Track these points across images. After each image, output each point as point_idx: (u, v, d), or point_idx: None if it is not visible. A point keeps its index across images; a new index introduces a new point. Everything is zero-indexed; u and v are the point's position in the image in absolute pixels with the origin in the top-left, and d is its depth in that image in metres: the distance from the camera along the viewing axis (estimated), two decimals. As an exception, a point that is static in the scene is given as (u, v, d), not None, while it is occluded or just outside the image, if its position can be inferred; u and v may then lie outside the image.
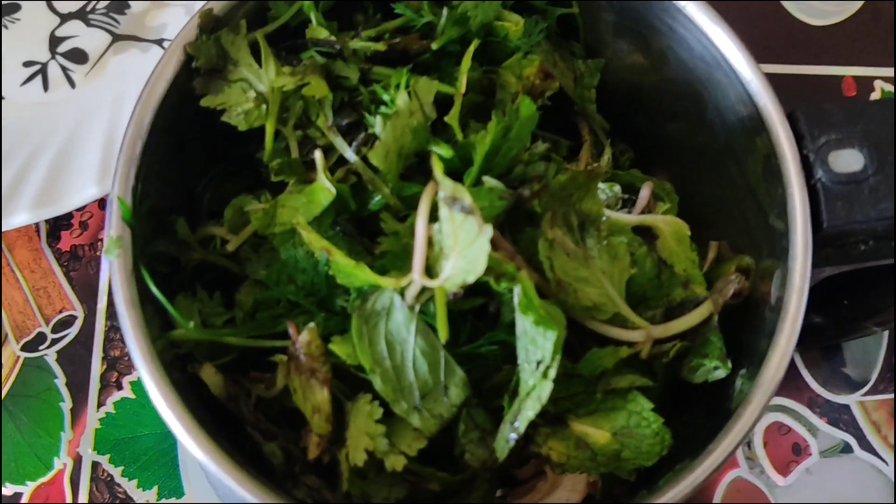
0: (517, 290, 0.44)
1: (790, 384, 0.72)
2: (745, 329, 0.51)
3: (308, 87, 0.48)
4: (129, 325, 0.44)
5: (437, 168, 0.42)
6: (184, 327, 0.47)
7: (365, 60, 0.51)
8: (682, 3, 0.50)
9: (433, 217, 0.44)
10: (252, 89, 0.49)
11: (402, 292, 0.46)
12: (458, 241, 0.42)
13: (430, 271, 0.44)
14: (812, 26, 0.79)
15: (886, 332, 0.73)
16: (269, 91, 0.49)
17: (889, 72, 0.78)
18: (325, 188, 0.48)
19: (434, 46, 0.51)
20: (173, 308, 0.47)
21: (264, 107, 0.49)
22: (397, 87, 0.49)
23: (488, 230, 0.41)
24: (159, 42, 0.76)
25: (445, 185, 0.41)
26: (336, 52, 0.51)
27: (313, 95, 0.49)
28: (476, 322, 0.49)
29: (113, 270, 0.45)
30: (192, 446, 0.43)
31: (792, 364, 0.72)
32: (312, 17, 0.51)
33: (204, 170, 0.55)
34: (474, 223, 0.41)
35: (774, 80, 0.77)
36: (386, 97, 0.50)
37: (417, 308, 0.46)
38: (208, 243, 0.52)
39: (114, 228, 0.46)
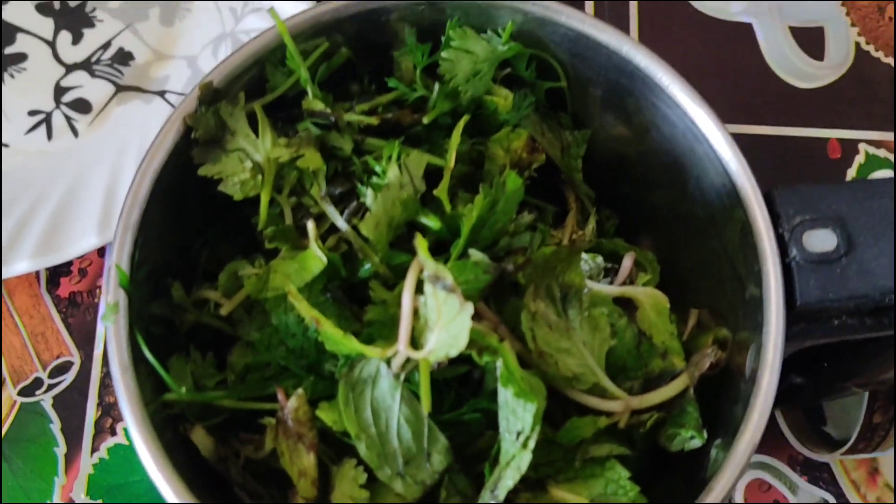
0: (499, 362, 0.46)
1: (771, 442, 0.73)
2: (722, 398, 0.52)
3: (303, 159, 0.50)
4: (122, 390, 0.46)
5: (421, 248, 0.43)
6: (175, 390, 0.48)
7: (359, 132, 0.53)
8: (666, 83, 0.52)
9: (420, 288, 0.46)
10: (249, 159, 0.51)
11: (388, 361, 0.47)
12: (441, 316, 0.44)
13: (415, 342, 0.46)
14: (799, 89, 0.81)
15: (866, 393, 0.74)
16: (265, 161, 0.51)
17: (872, 135, 0.80)
18: (316, 256, 0.50)
19: (425, 121, 0.53)
20: (167, 371, 0.49)
21: (260, 177, 0.51)
22: (389, 158, 0.51)
23: (469, 308, 0.43)
24: (161, 94, 0.78)
25: (428, 265, 0.43)
26: (331, 123, 0.53)
27: (308, 167, 0.50)
28: (460, 388, 0.50)
29: (109, 335, 0.47)
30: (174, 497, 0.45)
31: (773, 422, 0.74)
32: (309, 89, 0.53)
33: (200, 231, 0.56)
34: (456, 301, 0.43)
35: (762, 142, 0.80)
36: (378, 168, 0.51)
37: (402, 377, 0.47)
38: (203, 305, 0.53)
39: (111, 294, 0.47)
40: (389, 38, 0.56)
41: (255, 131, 0.52)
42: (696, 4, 0.83)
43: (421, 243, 0.44)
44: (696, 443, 0.51)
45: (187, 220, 0.54)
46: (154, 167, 0.50)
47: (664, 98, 0.53)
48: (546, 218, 0.58)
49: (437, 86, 0.54)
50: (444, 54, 0.54)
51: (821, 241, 0.49)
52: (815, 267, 0.49)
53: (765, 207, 0.49)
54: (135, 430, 0.45)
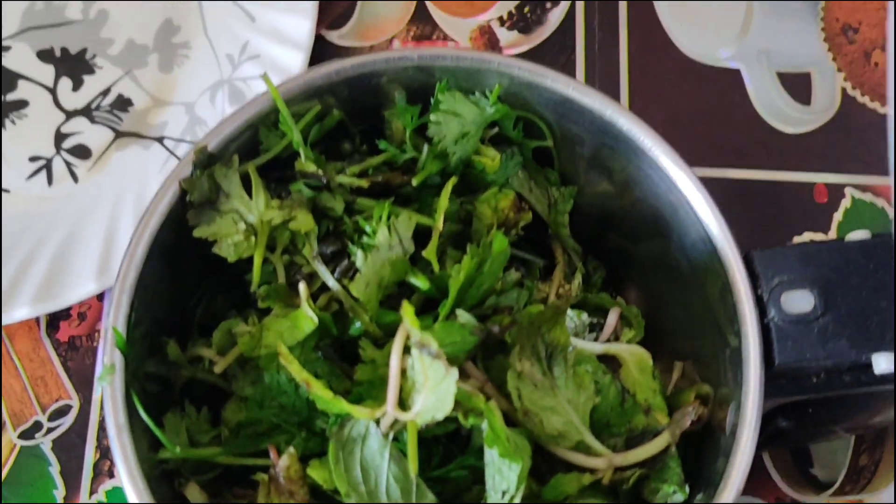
0: (485, 423, 0.47)
1: (759, 483, 0.74)
2: (704, 453, 0.54)
3: (295, 221, 0.52)
4: (119, 450, 0.47)
5: (408, 314, 0.45)
6: (170, 449, 0.50)
7: (350, 192, 0.55)
8: (649, 146, 0.53)
9: (408, 350, 0.47)
10: (242, 220, 0.52)
11: (377, 421, 0.48)
12: (427, 380, 0.45)
13: (402, 403, 0.47)
14: (786, 134, 0.83)
15: (852, 436, 0.76)
16: (259, 223, 0.52)
17: (859, 179, 0.82)
18: (308, 317, 0.51)
19: (415, 183, 0.54)
20: (162, 430, 0.50)
21: (253, 238, 0.52)
22: (379, 219, 0.52)
23: (454, 373, 0.44)
24: (160, 139, 0.80)
25: (414, 333, 0.44)
26: (323, 184, 0.54)
27: (299, 229, 0.52)
28: (448, 445, 0.52)
29: (106, 396, 0.48)
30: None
31: (760, 464, 0.75)
32: (301, 151, 0.54)
33: (195, 287, 0.58)
34: (442, 366, 0.44)
35: (749, 185, 0.81)
36: (368, 229, 0.53)
37: (391, 436, 0.49)
38: (197, 362, 0.55)
39: (107, 356, 0.49)
40: (380, 100, 0.58)
41: (249, 192, 0.53)
42: (684, 51, 0.84)
43: (407, 310, 0.45)
44: (679, 497, 0.52)
45: (183, 278, 0.56)
46: (150, 230, 0.51)
47: (647, 160, 0.54)
48: (533, 272, 0.60)
49: (426, 147, 0.55)
50: (432, 117, 0.55)
51: (798, 302, 0.50)
52: (793, 327, 0.50)
53: (744, 269, 0.51)
54: (130, 489, 0.47)
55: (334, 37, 0.85)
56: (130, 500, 0.47)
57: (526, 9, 0.85)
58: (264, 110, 0.54)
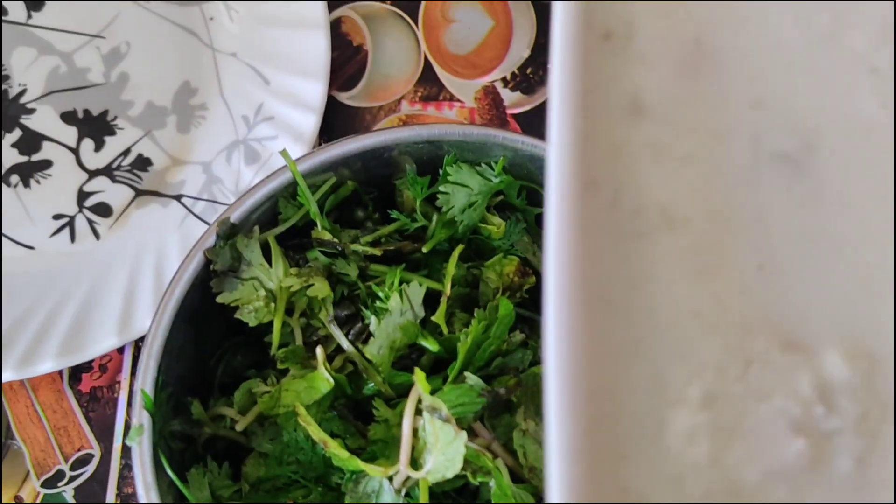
0: (492, 481, 0.50)
1: None
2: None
3: (312, 288, 0.55)
4: (147, 506, 0.50)
5: (420, 381, 0.48)
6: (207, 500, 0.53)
7: (363, 259, 0.58)
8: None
9: (419, 411, 0.50)
10: (262, 287, 0.55)
11: (390, 478, 0.51)
12: (438, 441, 0.49)
13: (414, 462, 0.50)
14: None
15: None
16: (278, 289, 0.55)
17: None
18: (324, 378, 0.54)
19: (425, 250, 0.58)
20: (186, 483, 0.53)
21: (273, 304, 0.55)
22: (391, 285, 0.56)
23: (463, 435, 0.47)
24: (178, 197, 0.83)
25: (425, 398, 0.48)
26: (338, 252, 0.57)
27: (317, 295, 0.55)
28: (457, 499, 0.55)
29: (134, 456, 0.51)
30: None
31: None
32: (318, 221, 0.57)
33: (217, 346, 0.61)
34: (451, 429, 0.47)
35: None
36: (381, 294, 0.56)
37: (403, 492, 0.52)
38: (219, 420, 0.58)
39: (136, 418, 0.52)
40: (391, 170, 0.61)
41: (269, 260, 0.56)
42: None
43: (419, 376, 0.48)
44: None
45: (206, 340, 0.59)
46: (175, 297, 0.54)
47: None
48: (538, 331, 0.63)
49: (435, 216, 0.59)
50: (441, 188, 0.58)
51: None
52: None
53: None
54: (158, 546, 0.50)
55: (345, 98, 0.88)
56: (158, 555, 0.50)
57: (528, 70, 0.89)
58: (283, 183, 0.57)
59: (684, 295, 0.34)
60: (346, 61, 0.89)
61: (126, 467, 0.77)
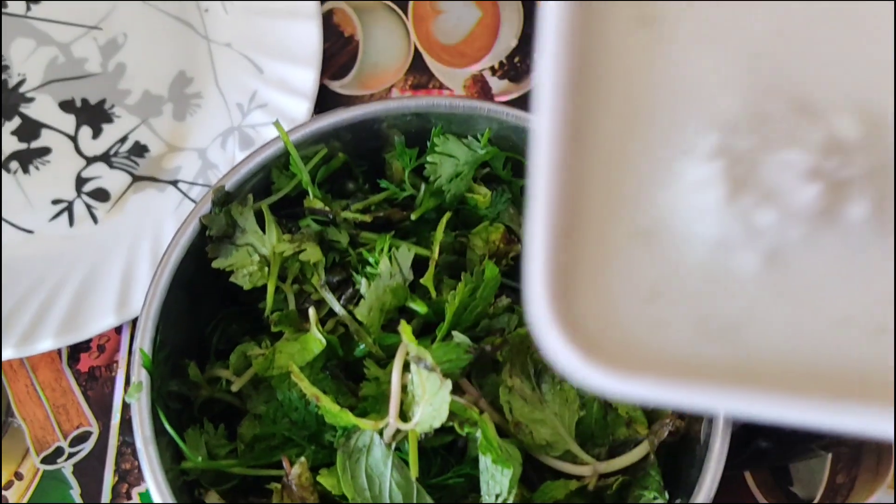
0: (479, 433, 0.52)
1: (741, 501, 0.78)
2: (681, 462, 0.58)
3: (305, 252, 0.57)
4: (146, 460, 0.52)
5: (406, 333, 0.50)
6: (192, 460, 0.54)
7: (354, 227, 0.60)
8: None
9: (407, 367, 0.52)
10: (256, 253, 0.57)
11: (380, 432, 0.53)
12: (425, 392, 0.50)
13: (403, 415, 0.52)
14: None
15: (829, 454, 0.80)
16: (271, 255, 0.57)
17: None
18: (316, 339, 0.56)
19: (413, 217, 0.60)
20: (184, 442, 0.55)
21: (266, 268, 0.57)
22: (381, 251, 0.58)
23: (448, 384, 0.49)
24: (174, 183, 0.85)
25: (411, 348, 0.49)
26: (329, 220, 0.59)
27: (309, 260, 0.57)
28: (446, 456, 0.56)
29: (133, 411, 0.53)
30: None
31: (742, 482, 0.79)
32: (310, 190, 0.59)
33: (212, 315, 0.63)
34: (437, 378, 0.49)
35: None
36: (371, 259, 0.58)
37: (394, 446, 0.53)
38: (215, 382, 0.59)
39: (135, 375, 0.54)
40: (381, 143, 0.63)
41: (262, 228, 0.58)
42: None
43: (405, 329, 0.50)
44: (659, 501, 0.57)
45: (201, 306, 0.61)
46: (172, 261, 0.56)
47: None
48: (522, 300, 0.65)
49: (423, 186, 0.61)
50: (429, 158, 0.60)
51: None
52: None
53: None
54: (157, 496, 0.51)
55: (336, 86, 0.90)
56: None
57: (516, 59, 0.91)
58: (276, 153, 0.59)
59: (701, 55, 0.34)
60: (338, 51, 0.91)
61: (124, 444, 0.79)
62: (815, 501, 0.78)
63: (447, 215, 0.60)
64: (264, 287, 0.59)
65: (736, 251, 0.34)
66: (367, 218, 0.59)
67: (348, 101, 0.90)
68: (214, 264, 0.57)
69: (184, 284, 0.57)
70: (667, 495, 0.57)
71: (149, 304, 0.55)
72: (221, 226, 0.57)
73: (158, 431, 0.54)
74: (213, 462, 0.56)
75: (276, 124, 0.59)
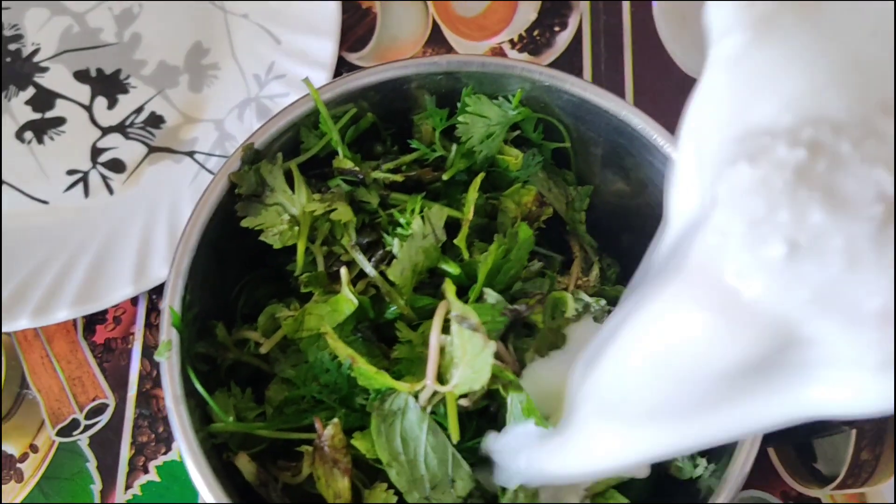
0: (517, 397, 0.51)
1: (765, 478, 0.78)
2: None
3: (336, 212, 0.56)
4: (176, 419, 0.51)
5: (450, 291, 0.49)
6: (223, 421, 0.53)
7: (384, 188, 0.59)
8: (661, 143, 0.58)
9: (445, 328, 0.51)
10: (286, 212, 0.56)
11: (416, 395, 0.52)
12: (465, 353, 0.49)
13: (441, 377, 0.51)
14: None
15: (854, 431, 0.79)
16: (301, 214, 0.56)
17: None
18: (348, 299, 0.55)
19: (445, 178, 0.59)
20: (213, 403, 0.54)
21: (296, 228, 0.56)
22: (412, 212, 0.57)
23: (492, 346, 0.48)
24: (190, 154, 0.84)
25: (456, 306, 0.48)
26: (359, 180, 0.58)
27: (339, 219, 0.56)
28: (480, 420, 0.55)
29: (163, 370, 0.52)
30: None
31: (767, 459, 0.78)
32: (339, 150, 0.58)
33: (239, 278, 0.62)
34: (480, 339, 0.48)
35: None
36: (402, 220, 0.57)
37: (429, 409, 0.52)
38: (243, 345, 0.58)
39: (164, 333, 0.53)
40: (409, 104, 0.62)
41: (292, 187, 0.57)
42: (685, 70, 0.89)
43: (449, 287, 0.49)
44: (699, 471, 0.56)
45: (227, 268, 0.60)
46: (202, 219, 0.55)
47: (659, 157, 0.58)
48: (553, 266, 0.64)
49: (454, 147, 0.60)
50: (460, 118, 0.59)
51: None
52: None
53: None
54: (187, 455, 0.50)
55: (354, 58, 0.89)
56: (188, 465, 0.50)
57: (536, 32, 0.90)
58: (305, 112, 0.58)
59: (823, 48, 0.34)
60: (356, 23, 0.90)
61: (140, 417, 0.78)
62: (840, 478, 0.77)
63: (480, 176, 0.59)
64: (291, 249, 0.58)
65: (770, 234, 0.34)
66: (399, 178, 0.58)
67: (366, 73, 0.89)
68: (243, 223, 0.56)
69: (212, 244, 0.56)
70: (705, 463, 0.56)
71: (178, 262, 0.54)
72: (251, 184, 0.56)
73: (187, 392, 0.53)
74: (243, 424, 0.55)
75: (307, 81, 0.58)
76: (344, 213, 0.56)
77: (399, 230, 0.57)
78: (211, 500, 0.50)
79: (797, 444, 0.79)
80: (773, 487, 0.77)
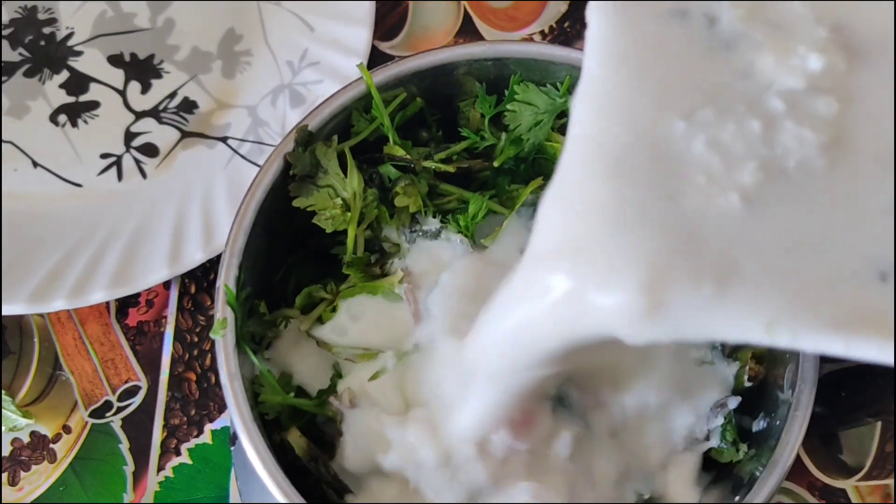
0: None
1: (792, 470, 0.78)
2: (756, 412, 0.58)
3: (412, 201, 0.57)
4: (231, 396, 0.52)
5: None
6: (280, 394, 0.54)
7: (434, 177, 0.60)
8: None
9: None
10: (337, 196, 0.57)
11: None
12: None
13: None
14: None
15: (879, 423, 0.80)
16: (352, 198, 0.57)
17: None
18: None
19: (496, 164, 0.59)
20: (261, 382, 0.55)
21: (348, 213, 0.57)
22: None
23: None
24: (223, 139, 0.84)
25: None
26: (409, 168, 0.59)
27: (408, 207, 0.57)
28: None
29: (218, 348, 0.52)
30: (277, 491, 0.50)
31: (793, 451, 0.79)
32: (390, 136, 0.59)
33: (282, 260, 0.62)
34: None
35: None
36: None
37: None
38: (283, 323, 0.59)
39: (220, 311, 0.53)
40: (455, 90, 0.63)
41: (343, 170, 0.58)
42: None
43: None
44: (739, 455, 0.57)
45: (274, 249, 0.60)
46: (256, 198, 0.56)
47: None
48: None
49: (503, 134, 0.60)
50: (509, 106, 0.60)
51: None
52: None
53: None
54: (242, 431, 0.51)
55: (386, 47, 0.90)
56: (243, 441, 0.51)
57: (566, 24, 0.91)
58: (357, 95, 0.59)
59: None
60: (388, 12, 0.91)
61: (172, 399, 0.78)
62: (865, 469, 0.78)
63: (538, 181, 0.59)
64: (335, 232, 0.59)
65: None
66: (451, 168, 0.59)
67: (397, 62, 0.90)
68: (296, 203, 0.57)
69: (264, 224, 0.57)
70: (745, 447, 0.57)
71: (233, 241, 0.54)
72: (306, 165, 0.57)
73: (244, 365, 0.53)
74: (293, 399, 0.55)
75: (361, 66, 0.58)
76: (415, 202, 0.57)
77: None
78: (265, 475, 0.50)
79: (823, 435, 0.80)
80: (799, 478, 0.77)
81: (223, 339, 0.52)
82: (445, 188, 0.60)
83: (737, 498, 0.53)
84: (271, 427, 0.56)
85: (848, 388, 0.72)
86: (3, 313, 0.76)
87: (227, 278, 0.53)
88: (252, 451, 0.51)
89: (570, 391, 0.55)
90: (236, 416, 0.51)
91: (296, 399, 0.55)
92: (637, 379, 0.56)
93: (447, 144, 0.61)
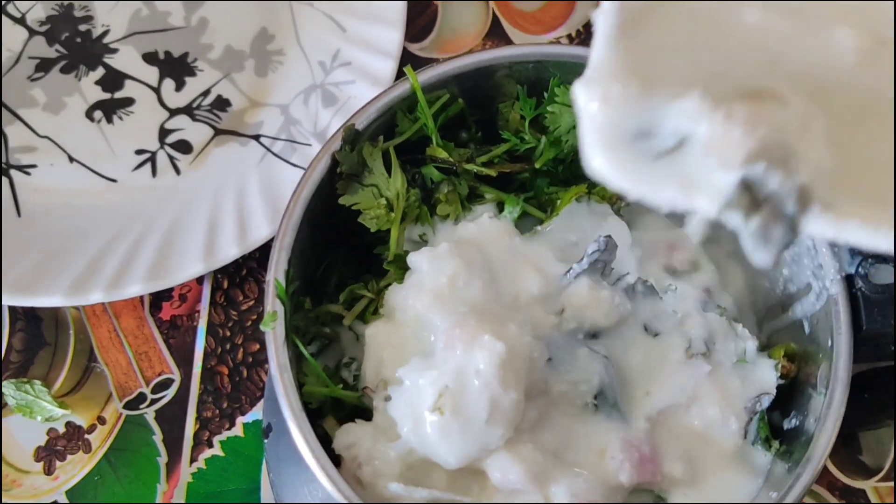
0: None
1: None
2: (788, 409, 0.59)
3: (453, 208, 0.58)
4: (281, 387, 0.53)
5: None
6: (327, 385, 0.55)
7: (474, 178, 0.61)
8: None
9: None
10: (381, 195, 0.58)
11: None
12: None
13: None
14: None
15: (897, 425, 0.81)
16: (395, 198, 0.58)
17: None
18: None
19: (537, 165, 0.61)
20: (305, 373, 0.56)
21: (392, 214, 0.58)
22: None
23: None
24: (256, 137, 0.85)
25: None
26: (452, 170, 0.60)
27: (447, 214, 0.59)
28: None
29: (268, 340, 0.54)
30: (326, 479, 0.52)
31: (814, 451, 0.80)
32: (433, 137, 0.60)
33: (323, 257, 0.64)
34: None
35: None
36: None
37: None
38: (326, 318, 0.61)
39: (270, 304, 0.54)
40: (494, 92, 0.64)
41: (387, 170, 0.59)
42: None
43: None
44: (771, 451, 0.58)
45: (317, 245, 0.61)
46: (304, 195, 0.57)
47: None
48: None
49: (543, 137, 0.62)
50: (549, 108, 0.61)
51: (884, 274, 0.56)
52: (879, 297, 0.56)
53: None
54: (292, 423, 0.52)
55: (415, 49, 0.91)
56: (292, 430, 0.52)
57: (593, 28, 0.92)
58: (401, 95, 0.60)
59: None
60: (418, 14, 0.92)
61: (205, 392, 0.79)
62: (884, 470, 0.79)
63: (582, 188, 0.61)
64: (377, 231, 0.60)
65: None
66: (493, 172, 0.60)
67: (427, 63, 0.91)
68: (342, 200, 0.58)
69: (309, 220, 0.58)
70: (777, 444, 0.58)
71: (282, 236, 0.56)
72: (353, 164, 0.58)
73: (295, 358, 0.55)
74: (337, 390, 0.57)
75: (408, 69, 0.60)
76: (454, 208, 0.58)
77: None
78: (314, 463, 0.52)
79: (844, 436, 0.81)
80: (819, 478, 0.78)
81: (273, 332, 0.54)
82: (484, 189, 0.61)
83: (773, 495, 0.54)
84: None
85: (872, 391, 0.73)
86: (42, 305, 0.77)
87: (277, 272, 0.55)
88: (301, 440, 0.52)
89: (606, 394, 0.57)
90: (286, 408, 0.52)
91: (342, 391, 0.56)
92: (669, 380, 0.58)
93: (487, 147, 0.63)
